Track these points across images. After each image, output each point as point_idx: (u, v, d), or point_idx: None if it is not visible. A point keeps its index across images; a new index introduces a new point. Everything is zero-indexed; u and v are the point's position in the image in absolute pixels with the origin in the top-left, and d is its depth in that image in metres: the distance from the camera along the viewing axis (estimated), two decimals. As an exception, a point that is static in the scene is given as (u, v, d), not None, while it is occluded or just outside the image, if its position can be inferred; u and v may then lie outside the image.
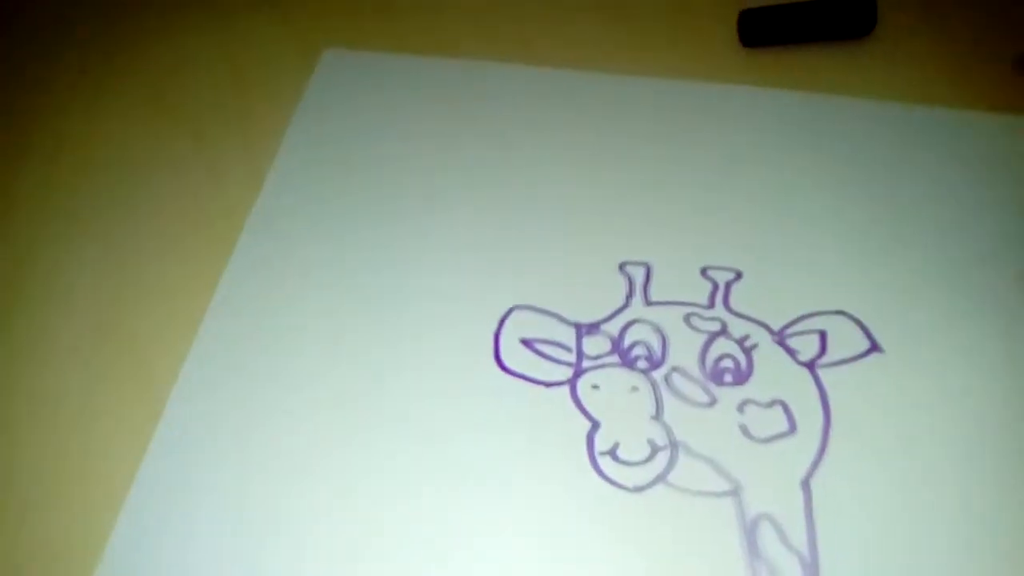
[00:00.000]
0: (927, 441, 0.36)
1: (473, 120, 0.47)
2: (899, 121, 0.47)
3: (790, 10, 0.50)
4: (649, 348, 0.39)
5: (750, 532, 0.34)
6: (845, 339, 0.39)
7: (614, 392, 0.37)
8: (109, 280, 0.42)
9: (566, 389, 0.37)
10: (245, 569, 0.33)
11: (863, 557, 0.33)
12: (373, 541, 0.34)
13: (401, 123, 0.46)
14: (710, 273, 0.41)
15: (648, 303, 0.40)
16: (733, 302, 0.40)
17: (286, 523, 0.34)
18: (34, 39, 0.53)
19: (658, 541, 0.34)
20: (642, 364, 0.38)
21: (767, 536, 0.34)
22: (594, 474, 0.35)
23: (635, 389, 0.37)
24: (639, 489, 0.35)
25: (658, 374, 0.38)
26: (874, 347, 0.39)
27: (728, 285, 0.41)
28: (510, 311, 0.40)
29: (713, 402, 0.37)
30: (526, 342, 0.39)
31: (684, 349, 0.39)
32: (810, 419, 0.37)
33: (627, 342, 0.39)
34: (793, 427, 0.36)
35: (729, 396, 0.37)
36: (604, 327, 0.39)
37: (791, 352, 0.38)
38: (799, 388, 0.37)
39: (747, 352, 0.38)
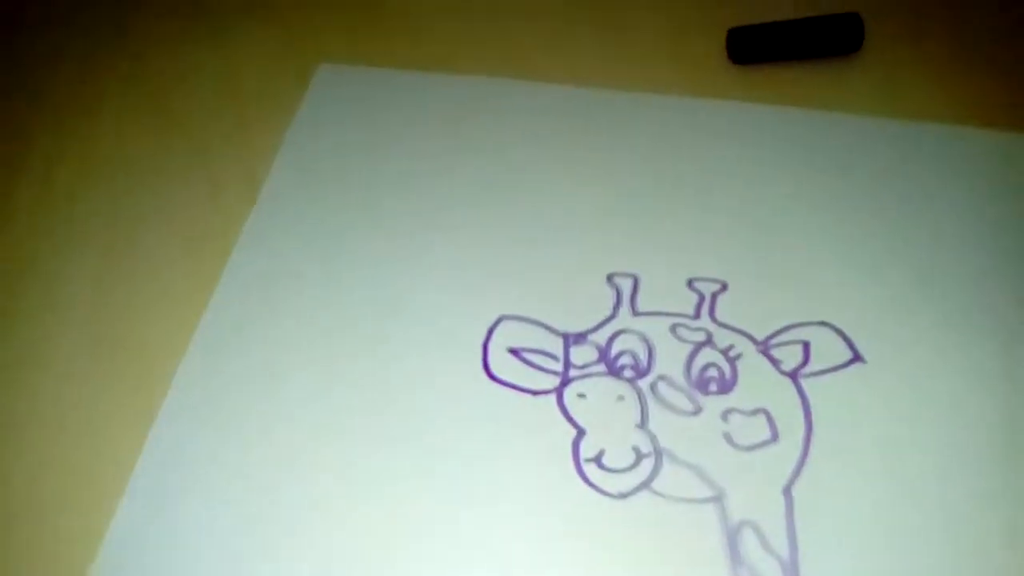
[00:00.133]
0: (907, 449, 0.37)
1: (464, 134, 0.48)
2: (885, 136, 0.48)
3: (778, 28, 0.51)
4: (635, 358, 0.39)
5: (733, 538, 0.35)
6: (828, 349, 0.39)
7: (600, 400, 0.38)
8: (107, 289, 0.42)
9: (553, 397, 0.38)
10: (238, 571, 0.34)
11: (843, 562, 0.34)
12: (360, 545, 0.34)
13: (394, 138, 0.47)
14: (696, 285, 0.42)
15: (635, 314, 0.41)
16: (719, 313, 0.41)
17: (276, 529, 0.35)
18: (33, 49, 0.53)
19: (642, 546, 0.34)
20: (628, 373, 0.39)
21: (749, 542, 0.35)
22: (579, 480, 0.36)
23: (621, 398, 0.38)
24: (623, 495, 0.36)
25: (644, 383, 0.39)
26: (856, 357, 0.39)
27: (714, 296, 0.41)
28: (498, 321, 0.40)
29: (698, 410, 0.38)
30: (514, 351, 0.39)
31: (670, 359, 0.39)
32: (792, 427, 0.37)
33: (614, 352, 0.39)
34: (776, 435, 0.37)
35: (714, 405, 0.38)
36: (591, 337, 0.40)
37: (775, 362, 0.39)
38: (782, 397, 0.38)
39: (732, 362, 0.39)
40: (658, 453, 0.37)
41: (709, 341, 0.40)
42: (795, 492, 0.36)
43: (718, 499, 0.36)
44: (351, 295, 0.41)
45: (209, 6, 0.55)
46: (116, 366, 0.40)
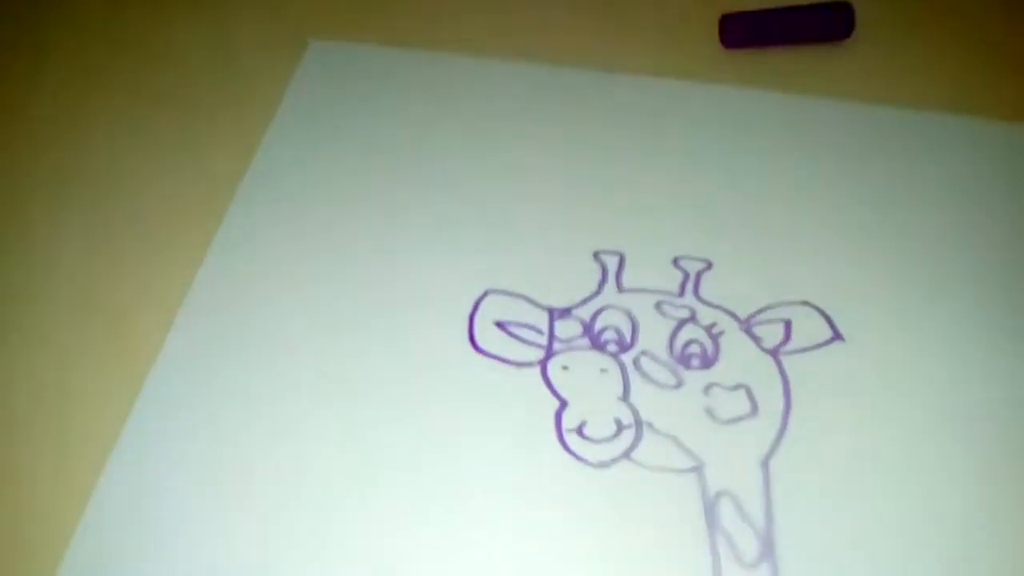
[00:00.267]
0: (883, 426, 0.37)
1: (455, 112, 0.48)
2: (873, 122, 0.49)
3: (770, 14, 0.52)
4: (619, 332, 0.40)
5: (710, 507, 0.35)
6: (809, 328, 0.40)
7: (583, 373, 0.39)
8: (91, 258, 0.43)
9: (537, 370, 0.39)
10: (219, 544, 0.34)
11: (816, 533, 0.35)
12: (346, 512, 0.35)
13: (384, 114, 0.48)
14: (681, 263, 0.42)
15: (620, 290, 0.41)
16: (703, 291, 0.41)
17: (259, 497, 0.35)
18: (21, 22, 0.54)
19: (621, 514, 0.35)
20: (612, 348, 0.39)
21: (727, 512, 0.35)
22: (561, 450, 0.37)
23: (604, 371, 0.39)
24: (604, 465, 0.36)
25: (627, 357, 0.39)
26: (836, 336, 0.40)
27: (699, 275, 0.42)
28: (485, 294, 0.41)
29: (679, 384, 0.38)
30: (500, 324, 0.40)
31: (653, 334, 0.40)
32: (771, 402, 0.38)
33: (598, 326, 0.40)
34: (755, 410, 0.38)
35: (695, 379, 0.39)
36: (576, 312, 0.41)
37: (756, 339, 0.40)
38: (763, 373, 0.39)
39: (714, 338, 0.40)
40: (639, 425, 0.37)
41: (693, 318, 0.40)
42: (772, 465, 0.36)
43: (697, 470, 0.36)
44: (339, 269, 0.42)
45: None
46: (101, 334, 0.40)
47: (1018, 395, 0.38)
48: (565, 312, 0.41)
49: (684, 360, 0.39)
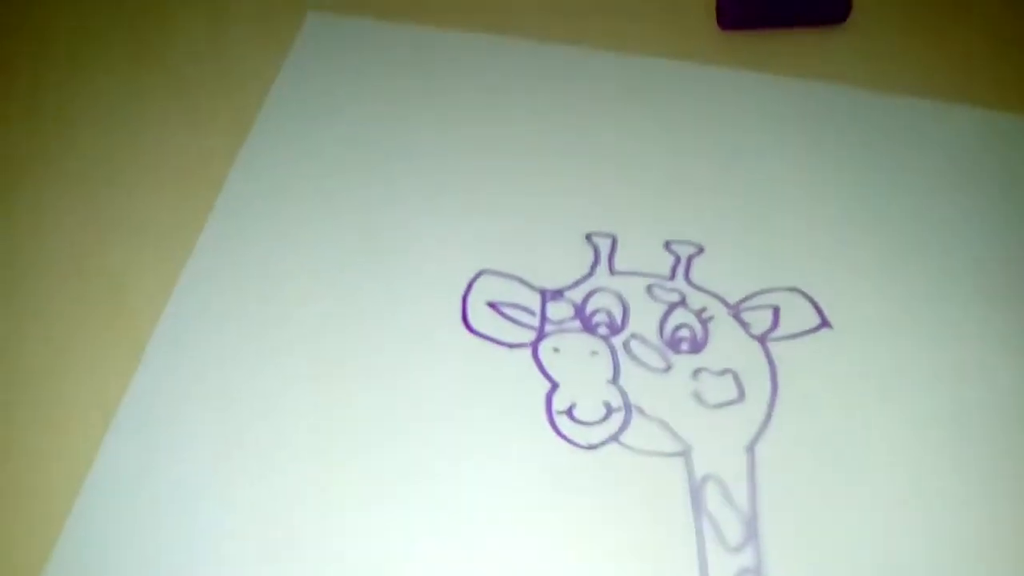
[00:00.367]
0: (868, 413, 0.38)
1: (451, 89, 0.48)
2: (868, 107, 0.49)
3: (767, -4, 0.52)
4: (610, 315, 0.40)
5: (697, 491, 0.36)
6: (797, 315, 0.41)
7: (574, 355, 0.39)
8: (89, 226, 0.42)
9: (528, 351, 0.39)
10: (220, 514, 0.35)
11: (800, 517, 0.35)
12: (333, 492, 0.35)
13: (380, 89, 0.48)
14: (673, 247, 0.43)
15: (612, 273, 0.42)
16: (694, 275, 0.42)
17: (257, 463, 0.36)
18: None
19: (609, 496, 0.36)
20: (603, 330, 0.40)
21: (712, 495, 0.36)
22: (550, 431, 0.37)
23: (595, 353, 0.39)
24: (592, 447, 0.37)
25: (617, 340, 0.40)
26: (824, 323, 0.40)
27: (690, 259, 0.42)
28: (478, 275, 0.41)
29: (668, 368, 0.39)
30: (492, 305, 0.40)
31: (644, 318, 0.40)
32: (758, 388, 0.39)
33: (589, 309, 0.40)
34: (742, 395, 0.38)
35: (684, 363, 0.39)
36: (568, 294, 0.41)
37: (745, 325, 0.40)
38: (750, 359, 0.39)
39: (704, 323, 0.40)
40: (628, 408, 0.38)
41: (683, 302, 0.41)
42: (758, 450, 0.37)
43: (684, 453, 0.37)
44: (334, 246, 0.42)
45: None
46: (101, 301, 0.40)
47: (1003, 384, 0.39)
48: (557, 294, 0.41)
49: (674, 344, 0.40)
